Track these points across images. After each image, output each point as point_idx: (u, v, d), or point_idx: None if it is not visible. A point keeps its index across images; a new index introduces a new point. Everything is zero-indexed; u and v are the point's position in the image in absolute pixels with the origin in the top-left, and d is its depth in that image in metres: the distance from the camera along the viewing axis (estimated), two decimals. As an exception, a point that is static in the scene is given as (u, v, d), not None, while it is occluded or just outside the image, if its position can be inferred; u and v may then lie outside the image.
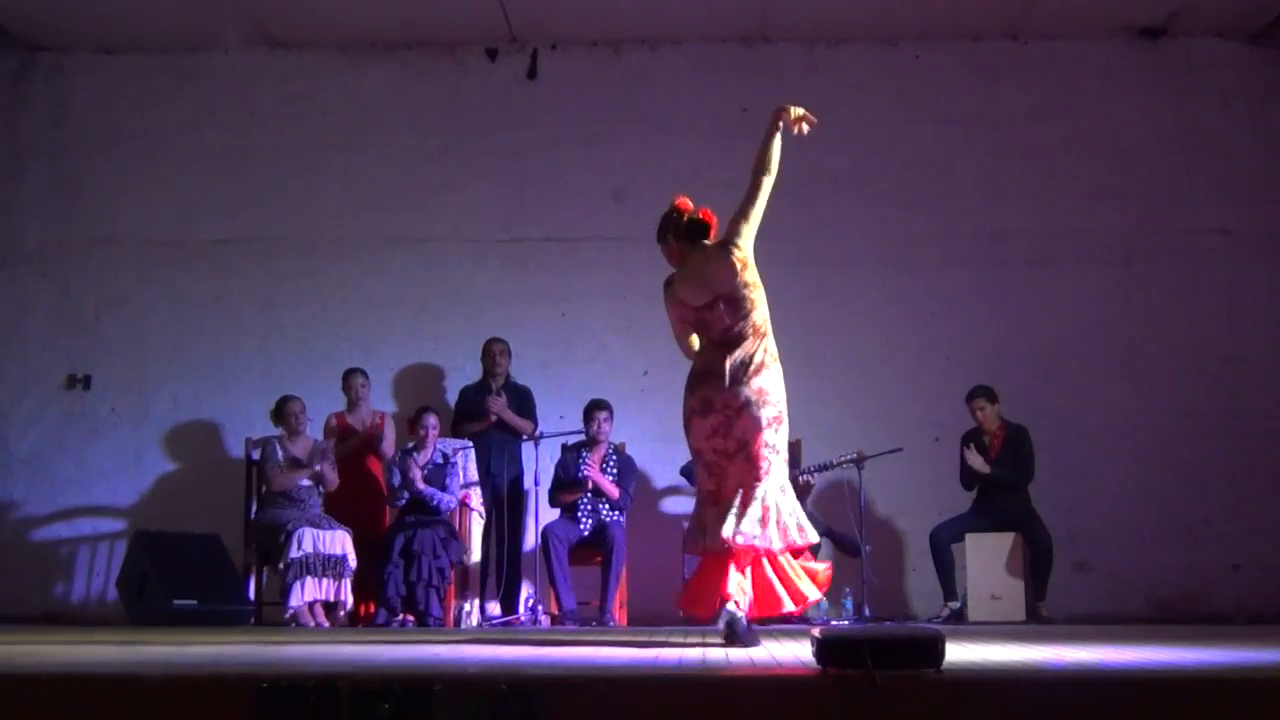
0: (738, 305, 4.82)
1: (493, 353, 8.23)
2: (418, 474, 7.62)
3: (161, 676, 3.21)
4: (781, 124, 4.99)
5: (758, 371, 4.77)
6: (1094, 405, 8.51)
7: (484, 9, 8.56)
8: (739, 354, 4.78)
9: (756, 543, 4.71)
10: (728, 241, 4.88)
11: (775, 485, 4.78)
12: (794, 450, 7.51)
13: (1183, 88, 8.83)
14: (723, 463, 4.79)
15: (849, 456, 7.78)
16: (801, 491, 7.24)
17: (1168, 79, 8.85)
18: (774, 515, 4.75)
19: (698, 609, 4.91)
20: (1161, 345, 8.58)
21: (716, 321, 4.84)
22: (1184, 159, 8.76)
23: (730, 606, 4.66)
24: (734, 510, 4.71)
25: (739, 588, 4.71)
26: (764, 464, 4.75)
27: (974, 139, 8.83)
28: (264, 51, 9.04)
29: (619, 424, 7.95)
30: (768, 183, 4.93)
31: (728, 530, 4.68)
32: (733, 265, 4.82)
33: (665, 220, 5.02)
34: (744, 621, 4.67)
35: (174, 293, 8.84)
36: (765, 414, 4.74)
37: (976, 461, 7.83)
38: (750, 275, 4.85)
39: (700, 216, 4.99)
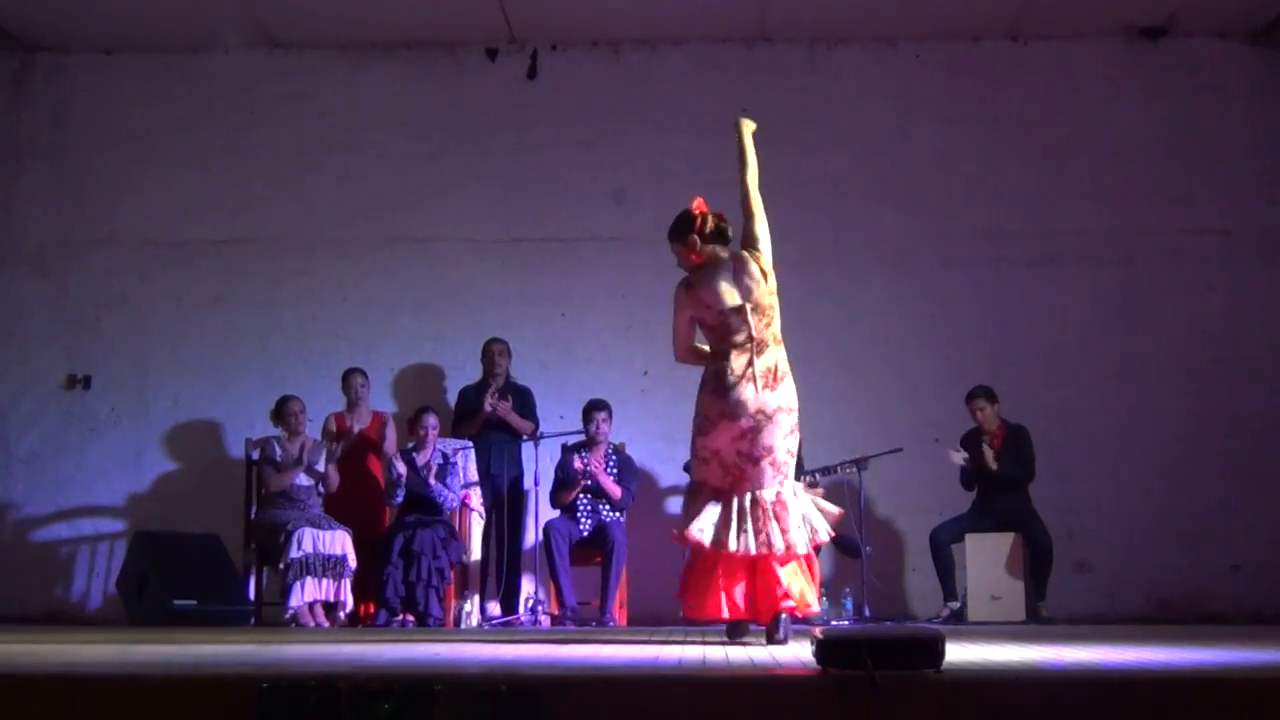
0: (762, 313, 4.88)
1: (492, 353, 8.23)
2: (430, 469, 7.63)
3: (161, 676, 3.21)
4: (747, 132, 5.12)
5: (783, 379, 4.87)
6: (1094, 405, 8.50)
7: (484, 9, 8.56)
8: (767, 361, 4.84)
9: (799, 549, 4.79)
10: (752, 248, 4.94)
11: (791, 488, 4.88)
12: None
13: (1182, 88, 8.82)
14: (744, 466, 4.84)
15: (850, 460, 7.77)
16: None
17: (1167, 79, 8.84)
18: (799, 517, 4.83)
19: (706, 612, 4.92)
20: (1161, 345, 8.57)
21: (739, 327, 4.87)
22: (1183, 159, 8.75)
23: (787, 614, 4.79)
24: (774, 522, 4.76)
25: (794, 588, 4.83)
26: (784, 468, 4.86)
27: (973, 139, 8.83)
28: (264, 51, 9.03)
29: (619, 424, 7.95)
30: (756, 180, 5.04)
31: (778, 541, 4.74)
32: (764, 272, 4.90)
33: (685, 220, 4.99)
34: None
35: (174, 293, 8.84)
36: (790, 421, 4.87)
37: (988, 455, 7.83)
38: (772, 283, 4.92)
39: (722, 220, 5.00)
